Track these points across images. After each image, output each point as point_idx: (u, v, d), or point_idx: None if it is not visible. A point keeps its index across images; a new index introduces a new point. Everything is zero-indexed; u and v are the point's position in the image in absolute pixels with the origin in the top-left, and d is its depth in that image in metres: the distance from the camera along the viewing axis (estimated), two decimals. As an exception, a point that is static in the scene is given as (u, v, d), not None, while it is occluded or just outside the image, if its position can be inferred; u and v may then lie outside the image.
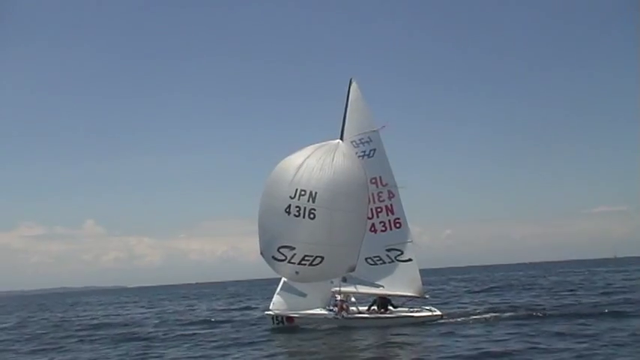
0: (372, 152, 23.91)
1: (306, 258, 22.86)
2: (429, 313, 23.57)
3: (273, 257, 23.30)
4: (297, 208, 22.48)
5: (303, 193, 22.47)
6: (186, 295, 79.96)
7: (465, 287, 53.43)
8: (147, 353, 20.12)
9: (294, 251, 22.82)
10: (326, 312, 23.84)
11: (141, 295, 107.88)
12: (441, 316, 23.46)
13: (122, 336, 25.67)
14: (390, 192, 23.74)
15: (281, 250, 22.97)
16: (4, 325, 38.33)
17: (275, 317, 24.24)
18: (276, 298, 24.47)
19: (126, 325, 32.22)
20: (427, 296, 24.58)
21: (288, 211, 22.54)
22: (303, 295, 23.78)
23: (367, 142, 23.98)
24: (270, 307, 24.51)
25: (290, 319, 23.91)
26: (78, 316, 43.62)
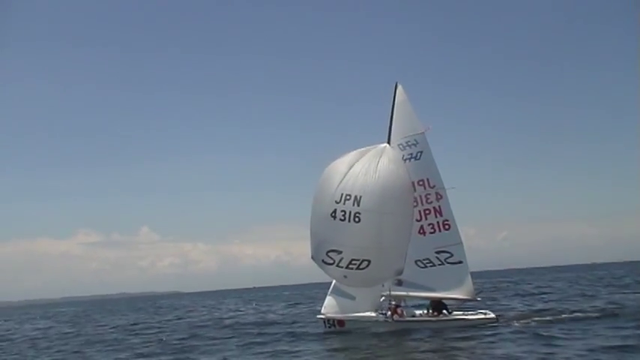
0: (419, 154, 23.90)
1: (354, 262, 23.09)
2: (483, 316, 23.39)
3: (323, 261, 23.68)
4: (343, 212, 22.77)
5: (348, 197, 22.77)
6: (269, 297, 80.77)
7: (520, 289, 52.35)
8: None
9: (341, 255, 23.09)
10: (377, 315, 23.91)
11: (218, 297, 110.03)
12: (496, 318, 23.23)
13: (290, 334, 25.45)
14: (437, 194, 23.65)
15: (329, 254, 23.32)
16: (169, 325, 37.46)
17: (327, 320, 24.52)
18: (327, 301, 24.75)
19: (274, 323, 31.94)
20: (479, 299, 24.31)
21: (334, 215, 22.88)
22: (353, 298, 23.96)
23: (414, 144, 24.01)
24: (322, 311, 24.82)
25: (341, 322, 24.11)
26: (218, 317, 42.56)
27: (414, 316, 24.18)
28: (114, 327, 39.92)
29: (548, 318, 23.87)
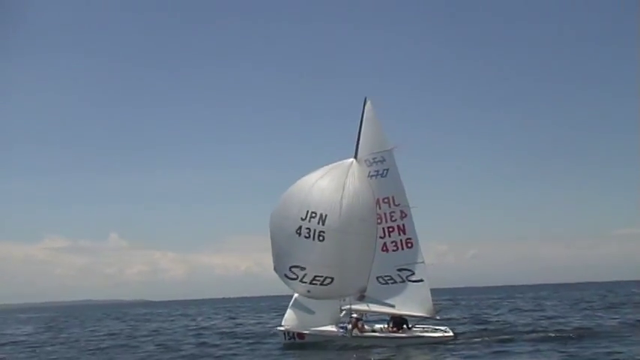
0: (385, 172, 24.01)
1: (317, 278, 23.29)
2: (442, 334, 23.59)
3: (285, 275, 23.82)
4: (308, 230, 22.95)
5: (313, 215, 22.97)
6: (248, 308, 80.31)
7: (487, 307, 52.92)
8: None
9: (304, 271, 23.28)
10: (336, 329, 23.97)
11: (188, 308, 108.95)
12: (455, 336, 23.47)
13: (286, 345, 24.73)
14: (402, 212, 23.78)
15: (292, 269, 23.46)
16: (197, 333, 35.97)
17: (287, 332, 24.53)
18: (287, 314, 24.79)
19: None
20: (438, 317, 24.52)
21: (299, 232, 23.06)
22: (312, 312, 24.04)
23: (380, 161, 24.11)
24: (282, 323, 24.84)
25: (301, 335, 24.13)
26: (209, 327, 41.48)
27: (374, 330, 24.30)
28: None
29: (504, 337, 24.21)
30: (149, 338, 33.16)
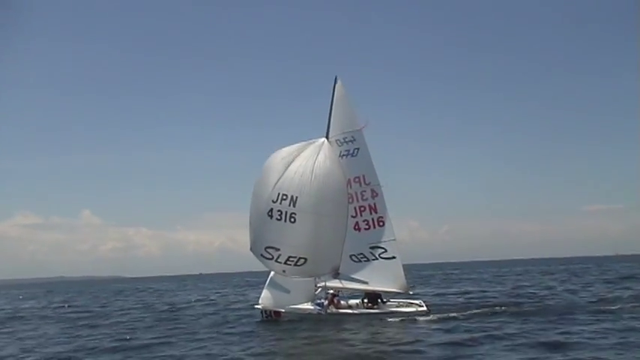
0: (355, 151, 24.33)
1: (291, 259, 23.70)
2: (416, 309, 24.15)
3: (261, 255, 24.12)
4: (279, 212, 23.29)
5: (284, 197, 23.27)
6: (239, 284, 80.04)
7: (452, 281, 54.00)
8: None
9: (279, 252, 23.65)
10: (312, 307, 24.41)
11: (181, 283, 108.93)
12: (428, 310, 24.05)
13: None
14: (373, 191, 24.19)
15: (267, 249, 23.79)
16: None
17: (263, 311, 24.90)
18: (264, 292, 25.10)
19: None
20: (411, 292, 25.09)
21: (270, 214, 23.38)
22: (287, 291, 24.40)
23: (351, 141, 24.40)
24: (259, 302, 25.16)
25: (277, 313, 24.52)
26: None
27: (350, 306, 24.79)
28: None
29: (475, 311, 24.76)
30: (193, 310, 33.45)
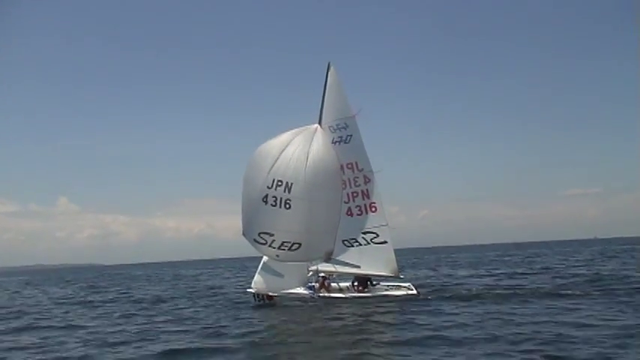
0: (348, 138, 24.62)
1: (285, 244, 24.03)
2: (405, 292, 24.67)
3: (254, 240, 24.41)
4: (274, 198, 23.55)
5: (279, 183, 23.54)
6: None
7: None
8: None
9: (273, 237, 23.96)
10: (305, 291, 24.83)
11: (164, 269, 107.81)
12: (418, 293, 24.59)
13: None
14: (365, 177, 24.56)
15: (261, 235, 24.10)
16: None
17: (256, 295, 25.27)
18: (256, 277, 25.42)
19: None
20: (402, 276, 25.64)
21: (265, 200, 23.63)
22: (281, 275, 24.77)
23: (344, 127, 24.67)
24: (252, 286, 25.51)
25: (270, 297, 24.92)
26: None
27: (341, 289, 25.26)
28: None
29: (462, 293, 25.62)
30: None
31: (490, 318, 18.39)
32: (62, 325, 22.94)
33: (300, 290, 24.88)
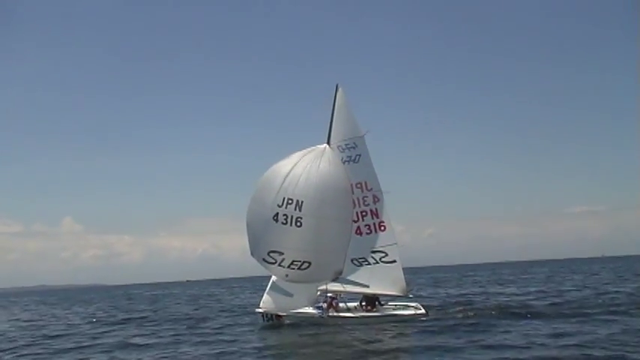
0: (357, 157, 24.79)
1: (295, 263, 24.11)
2: (414, 312, 24.59)
3: (263, 259, 24.52)
4: (285, 216, 23.65)
5: (290, 201, 23.65)
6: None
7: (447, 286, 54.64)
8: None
9: (282, 256, 24.05)
10: (314, 310, 24.80)
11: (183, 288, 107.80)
12: (426, 313, 24.51)
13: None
14: (374, 196, 24.66)
15: (271, 254, 24.20)
16: None
17: (265, 314, 25.26)
18: (265, 296, 25.50)
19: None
20: (411, 295, 25.58)
21: (276, 218, 23.73)
22: (290, 295, 24.81)
23: (353, 147, 24.85)
24: (261, 305, 25.53)
25: (278, 316, 24.92)
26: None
27: (349, 308, 25.16)
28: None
29: (471, 313, 25.39)
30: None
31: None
32: (128, 344, 22.34)
33: (309, 310, 24.86)
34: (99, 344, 22.87)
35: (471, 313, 25.21)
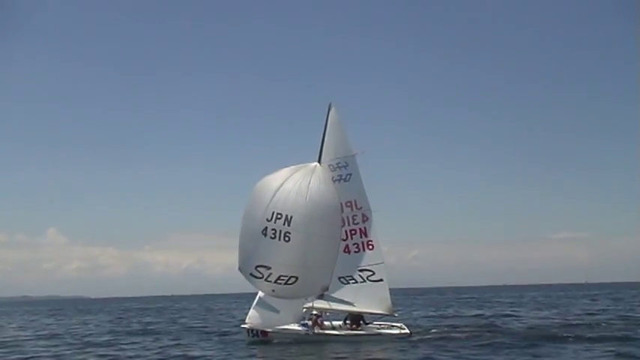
0: (348, 176, 24.95)
1: (282, 277, 24.18)
2: (398, 331, 24.68)
3: (251, 274, 24.57)
4: (273, 231, 23.81)
5: (279, 216, 23.82)
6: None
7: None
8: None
9: (270, 271, 24.13)
10: (299, 327, 24.84)
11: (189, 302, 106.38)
12: (410, 333, 24.62)
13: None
14: (364, 215, 24.83)
15: (258, 268, 24.26)
16: None
17: (250, 330, 25.25)
18: (251, 312, 25.50)
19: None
20: (396, 315, 25.71)
21: (264, 233, 23.89)
22: (277, 311, 24.84)
23: (344, 166, 25.02)
24: (246, 321, 25.53)
25: (264, 332, 24.90)
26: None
27: (333, 327, 25.26)
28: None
29: (454, 335, 25.56)
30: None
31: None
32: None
33: (295, 327, 24.90)
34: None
35: (458, 335, 25.39)
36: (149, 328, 36.95)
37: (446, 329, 28.20)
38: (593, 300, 61.73)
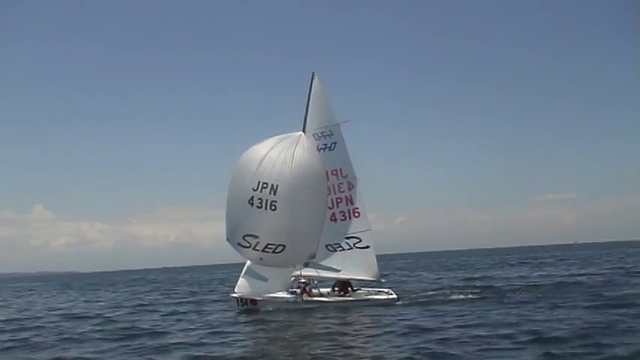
0: (333, 145, 25.13)
1: (269, 246, 24.45)
2: (386, 297, 25.13)
3: (238, 244, 24.81)
4: (260, 200, 23.98)
5: (265, 185, 23.96)
6: None
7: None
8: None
9: (257, 239, 24.37)
10: (288, 295, 25.21)
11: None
12: (397, 298, 25.05)
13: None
14: (349, 183, 25.08)
15: (246, 238, 24.50)
16: None
17: (240, 299, 25.56)
18: (240, 281, 25.74)
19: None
20: (383, 280, 26.15)
21: (251, 202, 24.05)
22: (265, 279, 25.14)
23: (329, 135, 25.19)
24: (235, 290, 25.80)
25: (254, 301, 25.24)
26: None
27: (322, 294, 25.64)
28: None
29: (440, 298, 26.10)
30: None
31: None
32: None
33: (284, 295, 25.26)
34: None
35: (443, 298, 25.99)
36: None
37: (432, 293, 28.69)
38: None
